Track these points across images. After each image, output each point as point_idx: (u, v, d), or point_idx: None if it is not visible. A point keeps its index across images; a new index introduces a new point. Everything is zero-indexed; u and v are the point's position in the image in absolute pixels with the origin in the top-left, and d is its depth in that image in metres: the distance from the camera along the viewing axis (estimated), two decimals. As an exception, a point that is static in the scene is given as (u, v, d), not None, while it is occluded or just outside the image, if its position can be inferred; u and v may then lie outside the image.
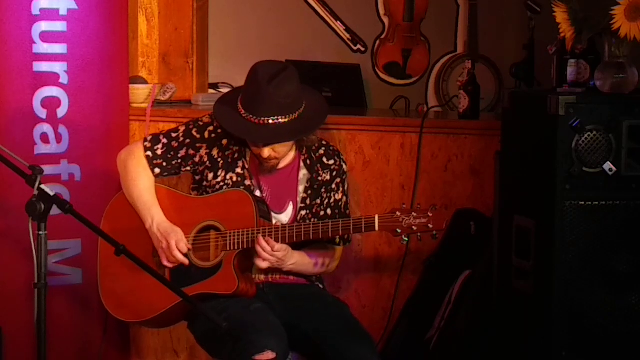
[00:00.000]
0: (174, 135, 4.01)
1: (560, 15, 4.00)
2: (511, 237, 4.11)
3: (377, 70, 6.25)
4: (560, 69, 4.13)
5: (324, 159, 4.04)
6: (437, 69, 6.24)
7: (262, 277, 3.97)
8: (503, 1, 6.03)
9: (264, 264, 3.85)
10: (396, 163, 4.78)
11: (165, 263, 3.91)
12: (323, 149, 4.05)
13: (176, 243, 3.89)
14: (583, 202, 3.90)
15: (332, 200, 4.03)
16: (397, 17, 6.22)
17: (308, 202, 3.99)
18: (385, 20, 6.25)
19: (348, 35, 6.23)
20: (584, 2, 4.00)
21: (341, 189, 4.06)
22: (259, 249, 3.81)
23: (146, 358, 5.00)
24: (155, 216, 3.96)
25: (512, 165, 4.18)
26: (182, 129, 4.02)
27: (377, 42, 6.25)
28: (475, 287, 4.45)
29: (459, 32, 6.19)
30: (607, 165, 3.89)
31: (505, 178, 4.22)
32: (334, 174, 4.04)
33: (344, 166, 4.08)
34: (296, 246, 3.93)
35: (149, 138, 4.03)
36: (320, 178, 4.01)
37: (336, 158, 4.05)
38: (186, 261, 3.89)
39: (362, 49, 6.25)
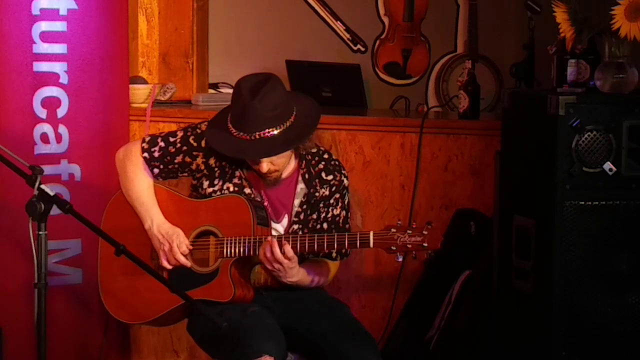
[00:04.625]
0: (171, 139, 3.96)
1: (560, 15, 4.00)
2: (511, 237, 4.11)
3: (377, 70, 6.25)
4: (560, 69, 4.13)
5: (323, 174, 3.96)
6: (437, 69, 6.25)
7: (262, 281, 3.94)
8: (503, 1, 6.03)
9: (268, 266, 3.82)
10: (396, 163, 4.78)
11: (165, 264, 3.90)
12: (323, 163, 3.98)
13: (178, 245, 3.87)
14: (583, 202, 3.90)
15: (329, 215, 3.96)
16: (397, 17, 6.22)
17: (302, 216, 3.93)
18: (385, 20, 6.25)
19: (348, 35, 6.23)
20: (584, 2, 4.00)
21: (340, 204, 3.98)
22: (263, 253, 3.77)
23: (146, 358, 5.00)
24: (154, 217, 3.94)
25: (512, 165, 4.18)
26: (180, 134, 3.97)
27: (377, 42, 6.25)
28: (475, 287, 4.45)
29: (459, 32, 6.20)
30: (607, 165, 3.89)
31: (505, 178, 4.22)
32: (333, 189, 3.96)
33: (345, 181, 3.99)
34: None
35: (147, 139, 4.00)
36: (317, 194, 3.94)
37: (336, 173, 3.97)
38: (188, 263, 3.87)
39: (362, 49, 6.25)
